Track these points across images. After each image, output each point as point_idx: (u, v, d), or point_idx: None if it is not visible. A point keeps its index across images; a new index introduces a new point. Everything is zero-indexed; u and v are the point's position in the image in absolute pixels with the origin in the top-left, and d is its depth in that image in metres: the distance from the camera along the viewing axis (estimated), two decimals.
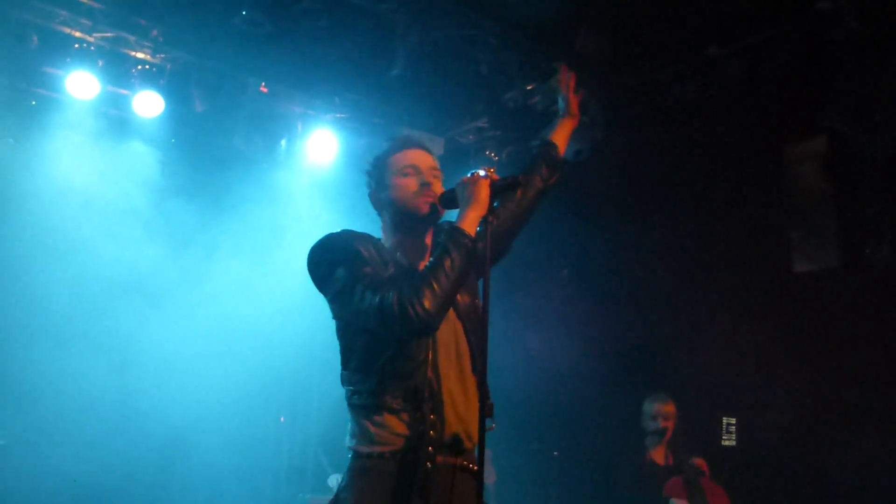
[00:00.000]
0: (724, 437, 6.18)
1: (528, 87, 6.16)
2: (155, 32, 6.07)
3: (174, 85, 6.17)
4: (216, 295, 6.43)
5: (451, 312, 2.60)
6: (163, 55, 6.14)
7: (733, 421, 6.18)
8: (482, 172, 2.54)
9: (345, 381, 2.61)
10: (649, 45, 5.76)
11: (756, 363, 5.68)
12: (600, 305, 6.55)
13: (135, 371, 6.18)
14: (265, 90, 6.42)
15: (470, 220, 2.49)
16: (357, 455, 2.53)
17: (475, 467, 2.54)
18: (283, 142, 6.66)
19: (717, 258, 6.11)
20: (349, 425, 2.58)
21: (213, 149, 6.53)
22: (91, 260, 6.07)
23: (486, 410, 2.49)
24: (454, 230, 2.48)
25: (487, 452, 5.76)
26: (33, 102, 6.16)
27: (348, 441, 2.57)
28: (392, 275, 2.51)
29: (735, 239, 6.01)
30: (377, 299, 2.38)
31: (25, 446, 5.67)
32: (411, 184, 2.67)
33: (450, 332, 2.61)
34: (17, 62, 5.83)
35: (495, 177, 2.54)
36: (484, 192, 2.50)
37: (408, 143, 2.79)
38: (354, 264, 2.50)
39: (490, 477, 5.65)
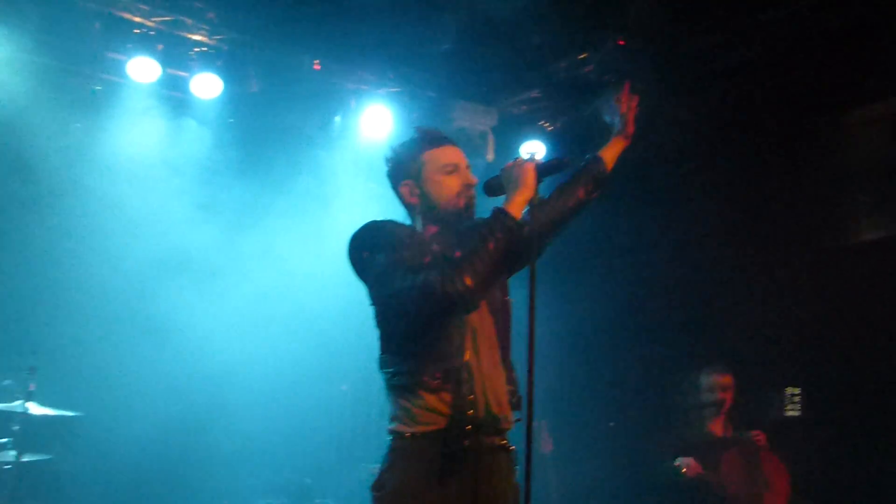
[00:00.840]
0: (787, 408, 6.11)
1: (580, 57, 6.09)
2: (211, 14, 6.20)
3: (231, 66, 6.28)
4: (278, 274, 6.59)
5: (484, 306, 2.67)
6: (219, 37, 6.25)
7: (797, 391, 6.10)
8: (526, 156, 2.62)
9: (383, 364, 2.66)
10: (698, 9, 5.62)
11: (813, 335, 5.58)
12: (652, 280, 6.51)
13: (193, 347, 6.39)
14: (318, 67, 6.48)
15: (516, 204, 2.55)
16: (398, 436, 2.58)
17: (512, 447, 2.67)
18: (338, 118, 6.74)
19: (771, 229, 6.00)
20: (389, 408, 2.65)
21: (269, 128, 6.66)
22: (150, 239, 6.33)
23: (515, 403, 2.69)
24: (499, 212, 2.53)
25: (543, 422, 5.86)
26: (98, 87, 6.37)
27: (388, 423, 2.63)
28: (430, 261, 2.54)
29: (789, 209, 5.88)
30: (419, 279, 2.43)
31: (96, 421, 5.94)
32: (454, 184, 2.74)
33: (485, 323, 2.69)
34: (81, 49, 6.02)
35: (538, 159, 2.63)
36: (530, 175, 2.56)
37: (445, 140, 2.83)
38: (394, 248, 2.55)
39: (548, 445, 5.73)
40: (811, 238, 5.78)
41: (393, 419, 2.63)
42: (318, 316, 6.61)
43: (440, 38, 6.01)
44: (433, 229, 2.76)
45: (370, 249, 2.61)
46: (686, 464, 4.80)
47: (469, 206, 2.73)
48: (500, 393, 2.65)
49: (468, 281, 2.41)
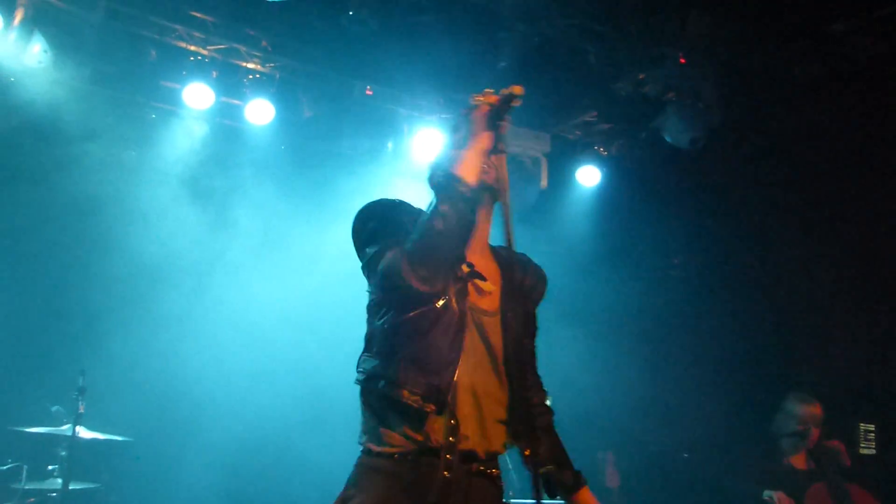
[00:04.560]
0: (862, 446, 5.70)
1: (640, 77, 5.92)
2: (264, 42, 6.24)
3: (283, 92, 6.30)
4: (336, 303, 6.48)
5: (494, 319, 2.36)
6: (272, 64, 6.29)
7: (871, 427, 5.70)
8: (474, 100, 2.23)
9: (362, 365, 2.37)
10: (768, 23, 5.44)
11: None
12: (723, 303, 6.20)
13: (250, 369, 6.34)
14: (370, 93, 6.45)
15: (468, 160, 2.19)
16: (369, 452, 2.30)
17: (496, 472, 2.35)
18: (390, 144, 6.67)
19: (847, 250, 5.68)
20: (361, 419, 2.36)
21: (320, 153, 6.61)
22: (205, 264, 6.34)
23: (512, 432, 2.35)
24: (446, 178, 2.18)
25: (609, 455, 5.54)
26: (153, 116, 6.42)
27: (360, 437, 2.35)
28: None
29: (868, 229, 5.57)
30: (382, 265, 2.24)
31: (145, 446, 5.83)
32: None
33: (491, 337, 2.35)
34: (137, 77, 6.10)
35: (493, 98, 2.22)
36: (479, 123, 2.20)
37: None
38: (389, 234, 2.30)
39: (614, 480, 5.41)
40: (890, 260, 5.44)
41: (364, 432, 2.33)
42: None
43: (493, 61, 5.91)
44: None
45: (369, 232, 2.37)
46: (777, 498, 4.41)
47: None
48: (489, 418, 2.30)
49: (419, 270, 2.15)
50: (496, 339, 2.36)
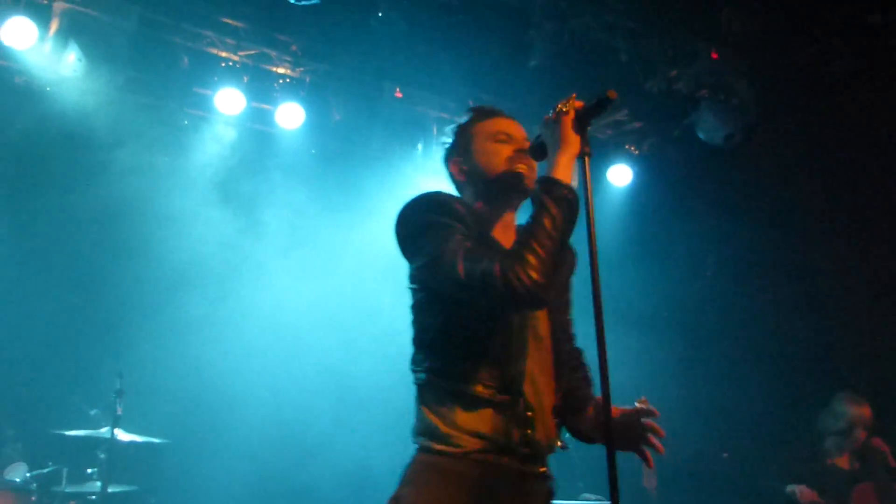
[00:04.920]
0: None
1: (672, 74, 5.86)
2: (294, 47, 6.27)
3: (313, 96, 6.33)
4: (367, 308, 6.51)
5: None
6: (302, 68, 6.32)
7: None
8: (563, 107, 2.18)
9: (420, 362, 2.25)
10: (803, 16, 5.35)
11: None
12: (759, 301, 6.10)
13: (287, 369, 6.34)
14: (400, 95, 6.45)
15: (562, 165, 2.14)
16: (429, 451, 2.17)
17: (551, 476, 2.29)
18: (420, 145, 6.67)
19: (889, 247, 5.56)
20: (417, 417, 2.24)
21: (351, 156, 6.63)
22: (239, 266, 6.37)
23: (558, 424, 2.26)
24: (547, 182, 2.13)
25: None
26: (185, 122, 6.47)
27: (415, 437, 2.23)
28: (489, 248, 2.17)
29: None
30: (477, 270, 2.05)
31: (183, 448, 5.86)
32: (504, 150, 2.37)
33: (541, 323, 2.28)
34: (169, 84, 6.16)
35: (579, 104, 2.18)
36: (569, 127, 2.15)
37: (499, 112, 2.50)
38: (449, 229, 2.16)
39: (652, 481, 5.33)
40: None
41: (421, 433, 2.21)
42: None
43: (520, 63, 5.89)
44: (485, 211, 2.37)
45: (420, 226, 2.22)
46: (799, 491, 4.33)
47: (523, 176, 2.33)
48: (549, 411, 2.25)
49: (533, 273, 2.01)
50: (544, 323, 2.30)
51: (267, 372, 6.30)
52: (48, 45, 5.58)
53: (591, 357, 2.38)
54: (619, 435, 2.21)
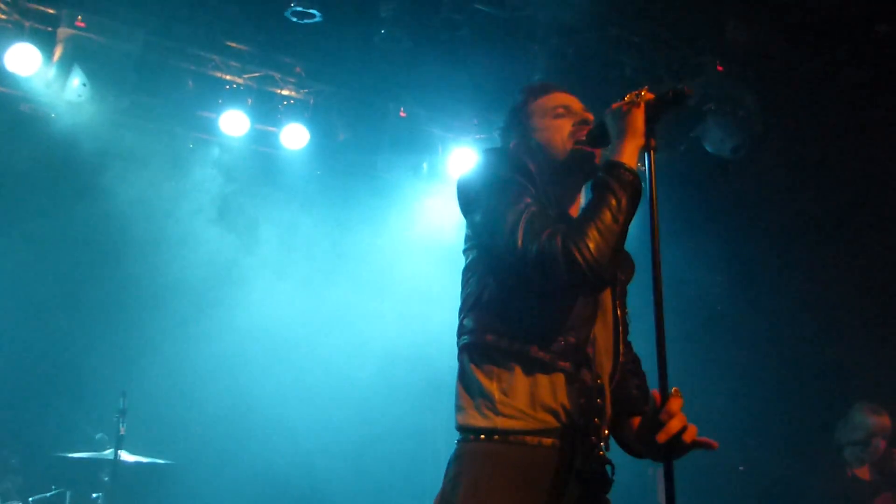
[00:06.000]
0: None
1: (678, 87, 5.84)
2: (298, 69, 6.28)
3: (318, 116, 6.33)
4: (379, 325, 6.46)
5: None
6: (306, 89, 6.33)
7: None
8: (634, 97, 2.11)
9: (473, 326, 2.08)
10: (809, 28, 5.35)
11: None
12: (779, 315, 6.03)
13: (293, 390, 6.32)
14: (404, 115, 6.45)
15: (629, 153, 2.04)
16: (476, 434, 1.99)
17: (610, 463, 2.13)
18: (425, 164, 6.65)
19: None
20: (462, 397, 2.06)
21: (356, 176, 6.61)
22: (244, 287, 6.34)
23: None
24: (613, 165, 2.03)
25: (660, 471, 5.37)
26: (190, 145, 6.47)
27: (464, 415, 2.03)
28: (551, 222, 2.01)
29: None
30: (535, 246, 1.93)
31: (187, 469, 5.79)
32: (565, 125, 2.25)
33: (605, 299, 2.19)
34: (174, 107, 6.16)
35: (650, 96, 2.09)
36: (639, 119, 2.06)
37: (553, 86, 2.38)
38: (518, 187, 2.06)
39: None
40: None
41: (475, 408, 2.01)
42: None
43: (527, 79, 5.88)
44: (548, 190, 2.22)
45: (485, 184, 2.11)
46: None
47: (593, 155, 2.22)
48: (609, 384, 2.14)
49: (595, 249, 1.91)
50: (609, 301, 2.21)
51: (274, 391, 6.25)
52: (52, 71, 5.59)
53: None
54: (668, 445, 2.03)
